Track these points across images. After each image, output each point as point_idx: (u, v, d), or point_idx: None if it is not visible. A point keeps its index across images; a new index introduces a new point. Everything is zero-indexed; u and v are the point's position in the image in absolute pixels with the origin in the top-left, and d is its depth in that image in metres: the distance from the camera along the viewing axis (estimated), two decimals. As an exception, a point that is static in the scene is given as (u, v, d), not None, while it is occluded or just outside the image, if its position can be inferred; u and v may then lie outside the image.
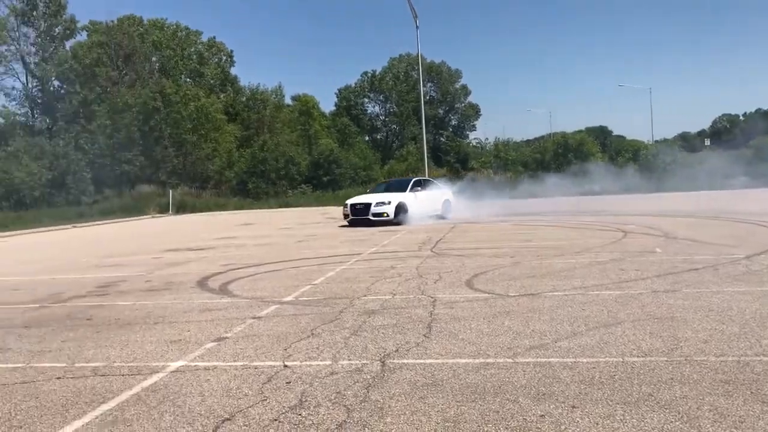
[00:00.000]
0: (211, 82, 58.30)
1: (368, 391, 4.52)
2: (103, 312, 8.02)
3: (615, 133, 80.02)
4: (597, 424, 3.79)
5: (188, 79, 56.43)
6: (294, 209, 38.04)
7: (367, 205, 22.16)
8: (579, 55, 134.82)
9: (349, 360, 5.34)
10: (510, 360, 5.14)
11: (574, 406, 4.08)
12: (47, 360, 5.86)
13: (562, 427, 3.76)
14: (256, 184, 45.62)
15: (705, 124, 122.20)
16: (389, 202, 21.99)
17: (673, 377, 4.56)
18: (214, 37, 60.58)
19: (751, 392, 4.20)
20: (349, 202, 23.32)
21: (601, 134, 74.88)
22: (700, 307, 6.75)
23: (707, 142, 78.41)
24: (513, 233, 16.51)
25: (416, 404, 4.24)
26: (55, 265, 13.83)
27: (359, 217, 22.16)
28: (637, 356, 5.10)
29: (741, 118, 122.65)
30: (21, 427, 4.17)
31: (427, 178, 28.89)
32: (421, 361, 5.24)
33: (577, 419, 3.87)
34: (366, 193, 25.93)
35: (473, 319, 6.65)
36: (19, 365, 5.72)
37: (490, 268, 10.21)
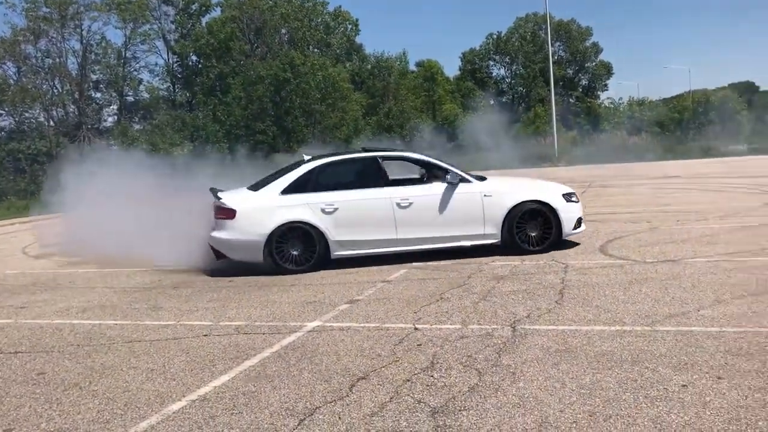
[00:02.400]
0: (338, 51, 59.23)
1: (499, 356, 4.51)
2: (244, 274, 8.46)
3: (763, 88, 73.60)
4: (746, 397, 3.58)
5: (316, 50, 57.65)
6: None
7: None
8: (718, 4, 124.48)
9: (479, 324, 5.34)
10: (648, 328, 4.94)
11: (719, 377, 3.87)
12: (195, 318, 6.30)
13: (707, 399, 3.58)
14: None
15: None
16: None
17: (835, 351, 4.20)
18: (340, 7, 61.30)
19: None
20: None
21: (747, 90, 69.12)
22: None
23: None
24: (650, 197, 15.72)
25: (549, 370, 4.18)
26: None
27: None
28: (792, 327, 4.74)
29: None
30: (174, 379, 4.52)
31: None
32: (553, 327, 5.15)
33: (724, 391, 3.67)
34: None
35: (607, 285, 6.43)
36: (170, 323, 6.18)
37: (625, 233, 9.80)
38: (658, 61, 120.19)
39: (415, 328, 5.35)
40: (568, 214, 8.65)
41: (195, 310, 6.63)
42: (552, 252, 8.49)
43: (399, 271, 7.91)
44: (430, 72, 59.75)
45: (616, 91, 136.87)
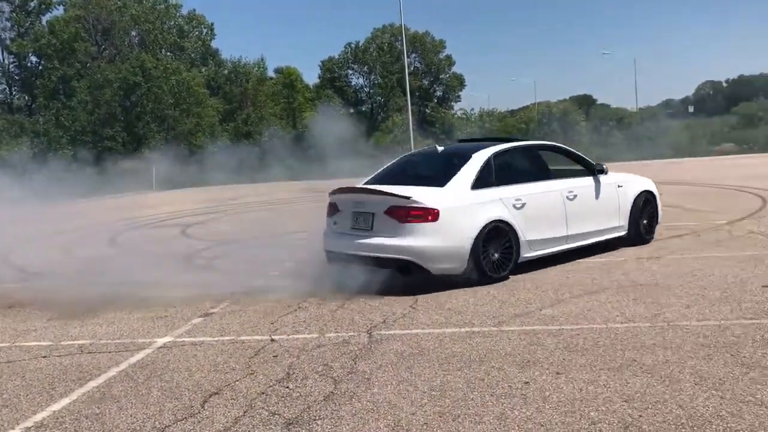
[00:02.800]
0: (192, 55, 57.50)
1: (355, 363, 4.56)
2: (89, 290, 7.95)
3: (599, 101, 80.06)
4: (581, 390, 3.85)
5: (169, 53, 55.62)
6: (280, 183, 37.86)
7: None
8: (562, 23, 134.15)
9: (336, 332, 5.37)
10: (495, 329, 5.20)
11: (558, 373, 4.13)
12: (33, 339, 5.84)
13: (547, 394, 3.81)
14: (241, 158, 45.29)
15: (689, 90, 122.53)
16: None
17: (656, 342, 4.62)
18: (194, 10, 59.56)
19: (731, 355, 4.28)
20: None
21: (585, 103, 74.87)
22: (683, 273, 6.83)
23: (691, 108, 78.68)
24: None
25: (403, 374, 4.28)
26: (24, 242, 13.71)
27: None
28: (621, 322, 5.17)
29: (724, 84, 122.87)
30: (7, 406, 4.17)
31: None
32: (408, 331, 5.28)
33: (562, 385, 3.93)
34: None
35: (460, 289, 6.67)
36: (4, 345, 5.69)
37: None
38: (506, 74, 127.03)
39: (272, 340, 5.28)
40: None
41: (33, 330, 6.15)
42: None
43: (257, 281, 7.76)
44: (289, 79, 59.48)
45: (468, 102, 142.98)
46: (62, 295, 7.64)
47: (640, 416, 3.45)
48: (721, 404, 3.53)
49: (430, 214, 6.60)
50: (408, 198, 6.71)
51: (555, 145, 9.06)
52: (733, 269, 6.81)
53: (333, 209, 7.43)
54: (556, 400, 3.71)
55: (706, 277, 6.55)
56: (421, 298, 6.40)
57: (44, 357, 5.22)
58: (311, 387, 4.14)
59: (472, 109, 61.95)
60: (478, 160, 7.31)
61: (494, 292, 6.43)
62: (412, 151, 8.35)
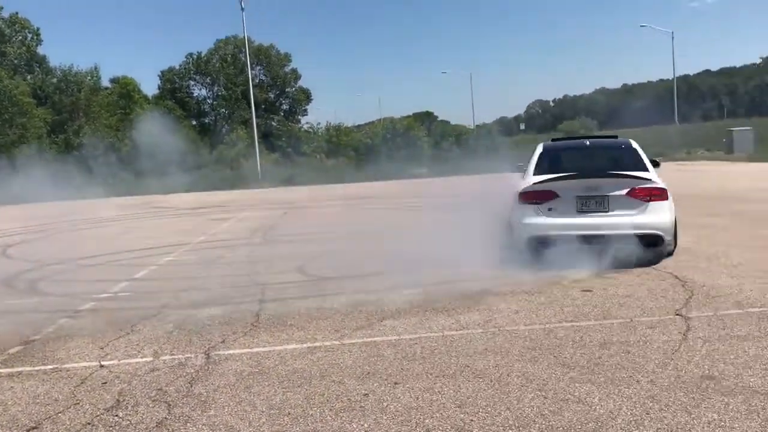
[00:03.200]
0: (15, 62, 53.12)
1: (191, 385, 4.38)
2: None
3: (440, 118, 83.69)
4: (418, 398, 3.95)
5: (-13, 58, 51.01)
6: (114, 198, 35.83)
7: None
8: (407, 42, 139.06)
9: (172, 355, 5.13)
10: (337, 342, 5.22)
11: (396, 383, 4.22)
12: None
13: (385, 404, 3.88)
14: (72, 172, 42.37)
15: (520, 109, 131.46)
16: None
17: (487, 347, 4.86)
18: (17, 13, 55.11)
19: (554, 356, 4.59)
20: None
21: (427, 119, 77.89)
22: (513, 280, 7.23)
23: (522, 125, 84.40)
24: (343, 216, 16.71)
25: (241, 394, 4.17)
26: None
27: None
28: (456, 330, 5.38)
29: (551, 103, 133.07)
30: None
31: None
32: (248, 350, 5.17)
33: (399, 395, 4.01)
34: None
35: (302, 304, 6.65)
36: None
37: (321, 253, 10.27)
38: (353, 89, 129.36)
39: (101, 366, 4.95)
40: None
41: None
42: (252, 274, 8.57)
43: (87, 304, 7.27)
44: (126, 89, 56.57)
45: (315, 117, 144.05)
46: None
47: (472, 420, 3.60)
48: (544, 404, 3.77)
49: (665, 194, 7.67)
50: (648, 180, 7.75)
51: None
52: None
53: (547, 196, 7.80)
54: (394, 410, 3.78)
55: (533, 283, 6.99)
56: (262, 314, 6.30)
57: None
58: (143, 414, 3.92)
59: (319, 123, 62.20)
60: (639, 150, 8.67)
61: (337, 306, 6.46)
62: (548, 146, 9.41)
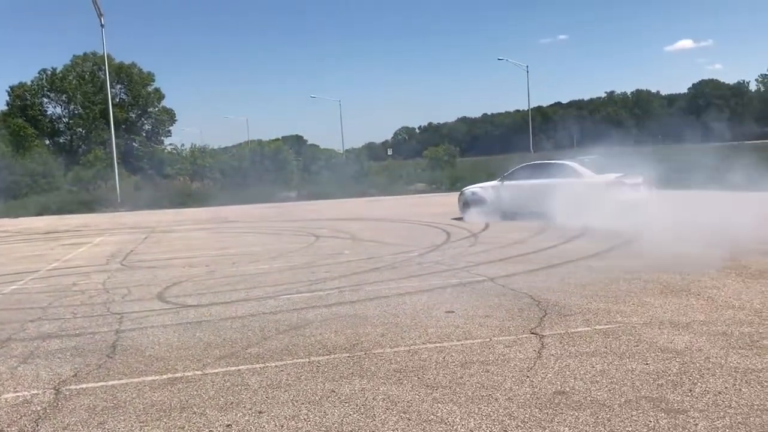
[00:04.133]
0: None
1: (37, 425, 4.07)
2: None
3: (309, 142, 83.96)
4: (282, 426, 3.89)
5: None
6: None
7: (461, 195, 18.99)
8: (275, 64, 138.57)
9: (16, 392, 4.75)
10: (199, 372, 5.04)
11: (260, 412, 4.14)
12: None
13: (248, 435, 3.79)
14: None
15: (388, 135, 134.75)
16: (463, 193, 18.79)
17: (353, 372, 4.88)
18: None
19: (418, 378, 4.68)
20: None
21: (296, 143, 77.85)
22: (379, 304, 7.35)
23: (390, 151, 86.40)
24: (210, 241, 16.26)
25: (95, 430, 3.92)
26: None
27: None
28: (323, 355, 5.36)
29: (417, 130, 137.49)
30: None
31: (556, 161, 18.29)
32: (103, 383, 4.88)
33: (263, 424, 3.93)
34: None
35: (162, 333, 6.38)
36: None
37: (183, 278, 9.91)
38: (219, 111, 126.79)
39: (-70, 408, 4.48)
40: None
41: None
42: (108, 302, 8.11)
43: None
44: (-32, 104, 52.26)
45: (180, 138, 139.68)
46: None
47: (337, 446, 3.59)
48: (408, 426, 3.83)
49: None
50: None
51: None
52: (421, 297, 7.51)
53: None
54: (258, 440, 3.70)
55: (399, 305, 7.12)
56: (119, 345, 5.98)
57: None
58: (-21, 460, 3.59)
59: (183, 145, 60.36)
60: None
61: (200, 334, 6.25)
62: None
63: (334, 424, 3.90)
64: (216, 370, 5.07)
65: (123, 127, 62.87)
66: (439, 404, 4.15)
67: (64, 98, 67.59)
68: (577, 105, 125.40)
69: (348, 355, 5.34)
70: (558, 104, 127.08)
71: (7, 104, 64.45)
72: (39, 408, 4.39)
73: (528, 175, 17.43)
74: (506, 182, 17.72)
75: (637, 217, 12.99)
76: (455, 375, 4.71)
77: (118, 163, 41.44)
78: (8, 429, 4.03)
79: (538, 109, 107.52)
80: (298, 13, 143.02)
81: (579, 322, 6.08)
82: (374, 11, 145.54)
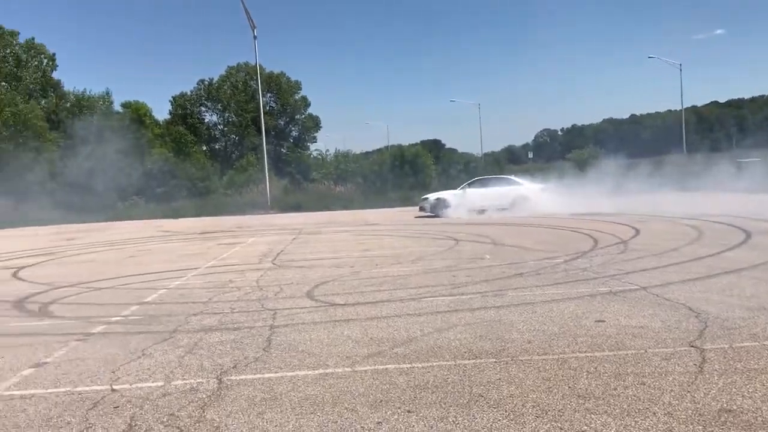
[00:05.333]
0: (30, 86, 53.88)
1: (204, 411, 4.36)
2: None
3: (447, 146, 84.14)
4: (431, 427, 3.92)
5: (3, 83, 51.72)
6: (125, 223, 36.00)
7: (423, 200, 27.52)
8: (414, 71, 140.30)
9: (184, 380, 5.12)
10: (349, 369, 5.19)
11: (409, 411, 4.19)
12: None
13: (399, 433, 3.85)
14: (82, 196, 42.68)
15: (529, 138, 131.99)
16: (429, 198, 27.08)
17: (501, 377, 4.83)
18: (33, 38, 56.03)
19: (569, 387, 4.55)
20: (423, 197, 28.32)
21: (435, 147, 78.29)
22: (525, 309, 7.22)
23: (530, 154, 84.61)
24: (353, 243, 16.73)
25: (254, 420, 4.15)
26: None
27: (420, 209, 27.37)
28: (468, 359, 5.35)
29: (559, 132, 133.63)
30: None
31: (502, 176, 29.71)
32: (260, 375, 5.15)
33: (413, 424, 3.98)
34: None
35: (313, 330, 6.64)
36: None
37: (330, 278, 10.26)
38: (361, 117, 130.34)
39: (113, 389, 4.94)
40: None
41: None
42: (262, 299, 8.56)
43: (97, 328, 7.28)
44: (137, 114, 57.19)
45: (324, 143, 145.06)
46: None
47: (487, 450, 3.56)
48: (559, 434, 3.73)
49: None
50: None
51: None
52: (569, 305, 7.29)
53: None
54: (408, 439, 3.75)
55: (545, 313, 6.96)
56: (274, 340, 6.29)
57: None
58: (155, 439, 3.91)
59: (327, 150, 62.60)
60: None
61: (348, 332, 6.44)
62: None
63: (483, 428, 3.88)
64: (365, 368, 5.20)
65: (272, 133, 66.10)
66: (593, 415, 4.00)
67: (219, 107, 72.17)
68: (736, 104, 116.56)
69: (494, 360, 5.29)
70: (715, 103, 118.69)
71: (170, 113, 69.76)
72: (204, 396, 4.70)
73: (482, 185, 27.02)
74: (468, 190, 26.65)
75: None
76: (608, 386, 4.53)
77: (267, 168, 43.66)
78: (178, 413, 4.35)
79: (693, 109, 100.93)
80: (436, 16, 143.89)
81: (744, 337, 5.65)
82: (515, 13, 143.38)
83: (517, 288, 8.55)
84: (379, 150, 67.27)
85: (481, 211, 25.14)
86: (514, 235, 16.33)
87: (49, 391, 5.01)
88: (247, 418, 4.20)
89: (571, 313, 6.88)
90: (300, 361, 5.52)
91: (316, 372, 5.16)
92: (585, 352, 5.42)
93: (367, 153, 66.79)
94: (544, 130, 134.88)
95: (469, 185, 27.18)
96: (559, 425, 3.87)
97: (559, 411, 4.10)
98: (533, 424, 3.90)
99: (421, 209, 27.05)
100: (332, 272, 10.99)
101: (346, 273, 10.81)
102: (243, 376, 5.14)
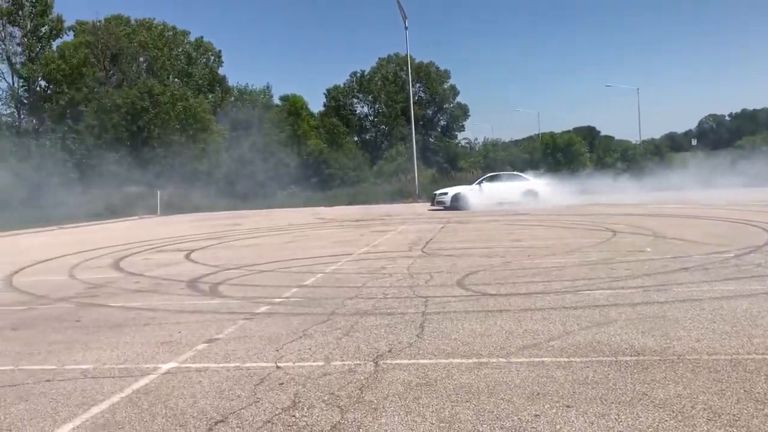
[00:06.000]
0: (199, 82, 58.09)
1: (362, 392, 4.50)
2: (93, 313, 7.95)
3: (603, 133, 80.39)
4: (592, 423, 3.79)
5: (176, 79, 56.17)
6: (283, 210, 37.94)
7: (435, 195, 30.10)
8: (565, 55, 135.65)
9: (342, 361, 5.31)
10: (504, 360, 5.14)
11: (568, 406, 4.07)
12: (36, 362, 5.79)
13: (557, 427, 3.75)
14: (244, 184, 45.51)
15: (692, 124, 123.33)
16: (447, 193, 29.24)
17: (667, 376, 4.56)
18: (202, 37, 60.34)
19: (745, 390, 4.21)
20: (435, 192, 30.82)
21: (589, 134, 75.15)
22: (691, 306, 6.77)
23: (694, 141, 78.93)
24: (503, 233, 16.52)
25: (411, 404, 4.22)
26: (41, 267, 13.67)
27: (434, 203, 29.81)
28: (630, 355, 5.10)
29: (727, 118, 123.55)
30: (11, 430, 4.11)
31: (511, 172, 33.30)
32: (414, 361, 5.22)
33: (572, 419, 3.87)
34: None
35: (465, 319, 6.63)
36: (7, 368, 5.65)
37: (481, 267, 10.20)
38: (510, 103, 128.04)
39: (277, 367, 5.23)
40: None
41: (36, 354, 6.10)
42: (414, 286, 8.69)
43: (261, 308, 7.73)
44: (294, 107, 59.94)
45: (472, 132, 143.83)
46: (67, 317, 7.66)
47: (654, 452, 3.38)
48: (735, 441, 3.47)
49: None
50: None
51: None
52: (741, 303, 6.75)
53: None
54: (567, 434, 3.65)
55: (714, 310, 6.49)
56: (426, 326, 6.35)
57: (48, 381, 5.17)
58: (318, 416, 4.08)
59: (476, 139, 62.23)
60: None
61: (501, 323, 6.37)
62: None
63: (648, 428, 3.69)
64: (520, 360, 5.12)
65: (421, 123, 66.72)
66: (774, 423, 3.68)
67: (370, 98, 73.90)
68: None
69: (659, 358, 5.01)
70: None
71: (324, 105, 72.45)
72: (362, 377, 4.85)
73: (496, 179, 30.01)
74: (484, 184, 29.29)
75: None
76: (792, 393, 4.14)
77: (416, 157, 44.16)
78: (338, 392, 4.52)
79: None
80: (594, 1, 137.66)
81: None
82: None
83: (682, 283, 8.05)
84: (529, 137, 65.79)
85: (500, 204, 27.74)
86: (674, 226, 15.36)
87: (220, 365, 5.39)
88: (404, 401, 4.28)
89: (744, 312, 6.37)
90: (453, 349, 5.53)
91: (470, 361, 5.15)
92: (762, 353, 4.99)
93: (516, 141, 65.60)
94: (710, 115, 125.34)
95: (484, 181, 29.91)
96: (735, 430, 3.60)
97: (733, 416, 3.81)
98: (704, 427, 3.66)
99: (438, 203, 29.12)
100: (482, 262, 10.92)
101: (497, 263, 10.70)
102: (398, 361, 5.24)
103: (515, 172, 32.47)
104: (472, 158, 53.07)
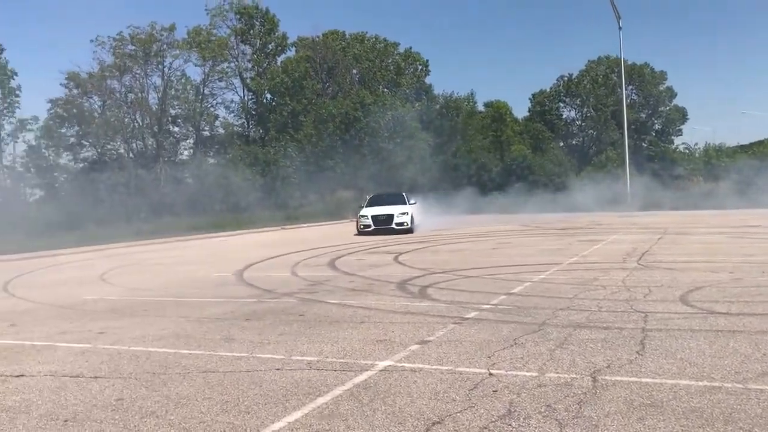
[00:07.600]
0: (407, 91, 60.03)
1: (581, 407, 4.33)
2: (314, 308, 8.51)
3: None
4: None
5: (386, 89, 58.54)
6: (485, 215, 37.89)
7: (390, 216, 25.40)
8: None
9: (557, 373, 5.16)
10: (740, 385, 4.67)
11: (824, 445, 3.60)
12: (267, 351, 6.32)
13: (813, 467, 3.33)
14: (447, 190, 46.17)
15: None
16: (406, 213, 25.69)
17: None
18: (411, 48, 62.32)
19: None
20: (368, 213, 25.90)
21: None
22: None
23: None
24: (730, 246, 15.08)
25: (635, 425, 3.98)
26: (268, 264, 14.94)
27: (382, 226, 25.13)
28: None
29: None
30: (248, 413, 4.52)
31: (398, 193, 29.83)
32: (636, 379, 4.93)
33: (831, 460, 3.41)
34: (363, 206, 27.40)
35: (692, 338, 6.14)
36: (243, 355, 6.23)
37: (706, 283, 9.39)
38: (734, 106, 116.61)
39: (490, 374, 5.21)
40: None
41: (267, 343, 6.66)
42: (630, 300, 8.22)
43: (470, 314, 7.77)
44: (498, 112, 59.66)
45: (691, 136, 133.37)
46: (291, 311, 8.29)
47: None
48: None
49: None
50: None
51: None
52: None
53: None
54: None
55: None
56: (647, 343, 5.97)
57: (278, 370, 5.62)
58: (535, 427, 4.00)
59: (696, 144, 57.48)
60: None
61: (734, 344, 5.80)
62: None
63: None
64: (760, 387, 4.61)
65: (633, 127, 63.08)
66: None
67: (578, 102, 71.31)
68: None
69: None
70: None
71: (529, 110, 71.21)
72: (579, 392, 4.67)
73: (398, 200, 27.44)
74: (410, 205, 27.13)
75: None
76: None
77: (628, 163, 41.85)
78: (555, 405, 4.39)
79: None
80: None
81: None
82: None
83: None
84: (759, 142, 59.30)
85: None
86: None
87: (434, 367, 5.50)
88: (627, 420, 4.05)
89: None
90: (680, 369, 5.14)
91: (701, 383, 4.74)
92: None
93: (743, 146, 59.47)
94: None
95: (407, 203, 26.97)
96: None
97: None
98: None
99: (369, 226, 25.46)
100: (707, 277, 10.04)
101: (725, 279, 9.78)
102: (618, 378, 4.97)
103: (401, 193, 29.63)
104: (692, 165, 49.10)
